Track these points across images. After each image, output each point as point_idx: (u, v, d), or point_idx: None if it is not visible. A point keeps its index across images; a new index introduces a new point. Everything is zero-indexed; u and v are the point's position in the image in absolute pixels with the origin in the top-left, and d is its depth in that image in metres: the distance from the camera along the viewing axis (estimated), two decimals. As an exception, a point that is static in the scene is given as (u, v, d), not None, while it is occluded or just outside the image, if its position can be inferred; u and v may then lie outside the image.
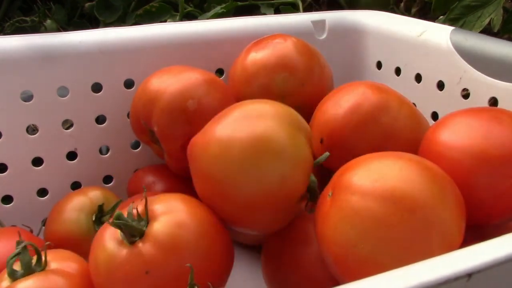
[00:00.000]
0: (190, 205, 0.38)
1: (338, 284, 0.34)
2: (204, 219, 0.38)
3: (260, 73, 0.53)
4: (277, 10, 0.89)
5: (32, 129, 0.55)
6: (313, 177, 0.39)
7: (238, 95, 0.54)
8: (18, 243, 0.38)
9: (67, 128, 0.56)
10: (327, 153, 0.40)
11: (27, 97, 0.53)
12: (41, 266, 0.38)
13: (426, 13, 0.88)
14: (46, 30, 0.94)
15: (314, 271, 0.40)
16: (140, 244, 0.35)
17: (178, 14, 0.84)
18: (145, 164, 0.59)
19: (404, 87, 0.57)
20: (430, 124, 0.46)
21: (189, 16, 0.88)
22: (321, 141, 0.47)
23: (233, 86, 0.55)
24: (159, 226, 0.36)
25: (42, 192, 0.56)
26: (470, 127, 0.39)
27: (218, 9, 0.82)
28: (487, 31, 0.63)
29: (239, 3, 0.85)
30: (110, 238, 0.37)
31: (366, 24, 0.64)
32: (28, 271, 0.37)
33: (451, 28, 0.54)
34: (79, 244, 0.47)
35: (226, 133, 0.39)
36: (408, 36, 0.58)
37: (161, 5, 0.85)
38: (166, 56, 0.57)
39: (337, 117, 0.46)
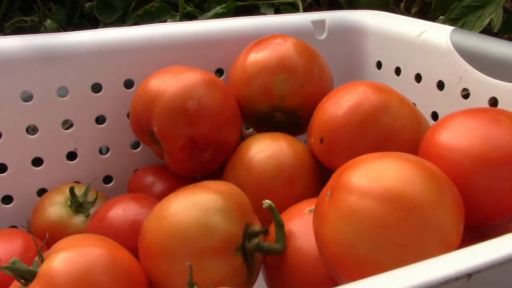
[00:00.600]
0: (92, 241, 0.38)
1: (337, 284, 0.34)
2: (107, 254, 0.36)
3: (260, 74, 0.53)
4: (277, 10, 0.89)
5: (32, 129, 0.55)
6: (255, 227, 0.40)
7: (238, 96, 0.54)
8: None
9: (67, 128, 0.56)
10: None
11: (27, 97, 0.53)
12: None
13: (426, 13, 0.88)
14: (46, 30, 0.94)
15: (314, 271, 0.40)
16: (31, 286, 0.35)
17: (178, 14, 0.84)
18: (145, 164, 0.59)
19: (404, 87, 0.57)
20: (430, 124, 0.46)
21: (189, 16, 0.88)
22: (321, 141, 0.47)
23: (233, 87, 0.55)
24: (47, 265, 0.35)
25: (42, 192, 0.56)
26: (469, 128, 0.39)
27: (218, 9, 0.82)
28: (487, 31, 0.63)
29: (239, 3, 0.85)
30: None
31: (366, 24, 0.64)
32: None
33: (451, 28, 0.54)
34: (65, 228, 0.50)
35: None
36: (408, 36, 0.58)
37: (161, 5, 0.85)
38: (166, 56, 0.57)
39: (337, 117, 0.46)
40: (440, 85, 0.54)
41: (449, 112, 0.43)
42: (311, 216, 0.38)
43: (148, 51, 0.56)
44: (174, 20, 0.84)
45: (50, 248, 0.37)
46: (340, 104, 0.46)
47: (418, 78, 0.57)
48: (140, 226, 0.40)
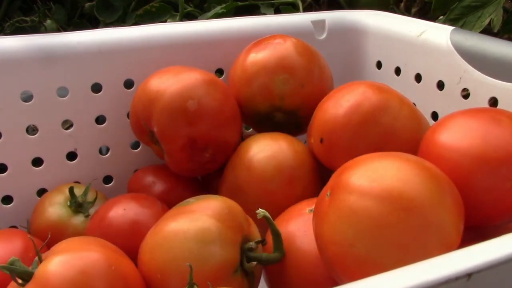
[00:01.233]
0: (90, 244, 0.37)
1: (337, 284, 0.34)
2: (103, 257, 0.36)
3: (260, 74, 0.53)
4: (277, 10, 0.89)
5: (32, 129, 0.55)
6: (249, 244, 0.40)
7: (238, 96, 0.54)
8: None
9: (67, 128, 0.56)
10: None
11: (27, 97, 0.53)
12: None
13: (426, 13, 0.88)
14: (46, 30, 0.94)
15: (314, 271, 0.40)
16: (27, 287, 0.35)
17: (178, 14, 0.84)
18: (145, 164, 0.59)
19: (404, 87, 0.57)
20: (430, 124, 0.46)
21: (189, 16, 0.88)
22: (321, 141, 0.47)
23: (233, 87, 0.55)
24: (43, 267, 0.35)
25: (42, 192, 0.56)
26: (469, 128, 0.39)
27: (218, 9, 0.82)
28: (487, 31, 0.63)
29: (239, 3, 0.85)
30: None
31: (366, 24, 0.64)
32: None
33: (451, 28, 0.54)
34: (65, 228, 0.50)
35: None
36: (408, 36, 0.58)
37: (161, 5, 0.85)
38: (166, 56, 0.57)
39: (337, 117, 0.46)
40: (440, 85, 0.54)
41: (449, 112, 0.43)
42: (311, 216, 0.38)
43: (148, 51, 0.56)
44: (174, 20, 0.84)
45: (49, 250, 0.37)
46: (340, 104, 0.46)
47: (418, 78, 0.57)
48: (140, 226, 0.40)
